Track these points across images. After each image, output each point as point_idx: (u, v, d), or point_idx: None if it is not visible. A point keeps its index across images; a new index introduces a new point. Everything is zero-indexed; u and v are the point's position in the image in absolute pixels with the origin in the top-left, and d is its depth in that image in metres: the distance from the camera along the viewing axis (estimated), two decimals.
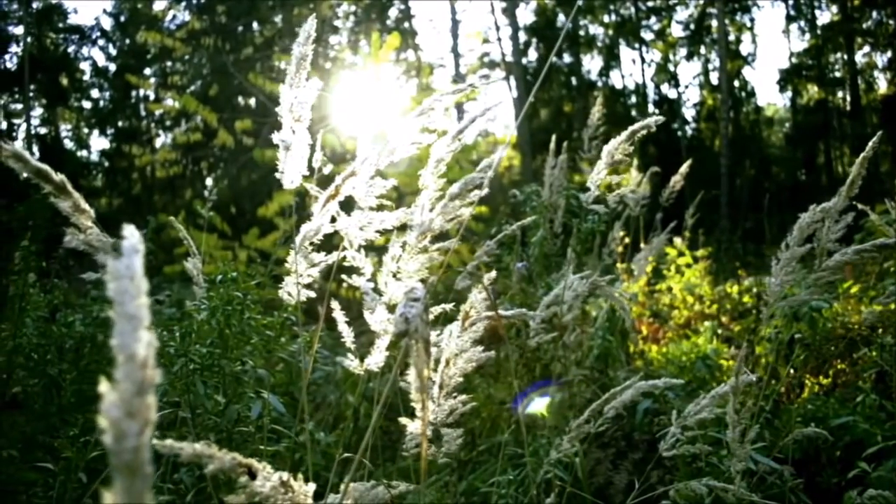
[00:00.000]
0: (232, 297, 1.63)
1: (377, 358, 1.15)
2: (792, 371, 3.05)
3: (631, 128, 1.34)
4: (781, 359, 3.52)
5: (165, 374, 1.67)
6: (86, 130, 24.90)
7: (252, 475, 0.69)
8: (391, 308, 1.10)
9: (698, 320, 5.69)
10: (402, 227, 1.16)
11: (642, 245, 4.39)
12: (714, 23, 26.54)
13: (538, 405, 2.25)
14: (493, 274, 1.15)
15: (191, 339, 1.63)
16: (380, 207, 1.09)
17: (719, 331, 4.80)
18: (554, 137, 3.23)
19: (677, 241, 5.34)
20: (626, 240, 3.81)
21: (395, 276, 1.08)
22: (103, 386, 0.38)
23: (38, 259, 2.28)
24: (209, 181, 21.94)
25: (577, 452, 2.20)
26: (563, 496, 1.70)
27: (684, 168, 3.40)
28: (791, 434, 2.06)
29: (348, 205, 1.14)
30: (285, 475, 0.73)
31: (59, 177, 0.92)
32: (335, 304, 1.25)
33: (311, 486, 0.76)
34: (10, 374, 2.16)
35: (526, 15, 29.05)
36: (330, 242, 1.19)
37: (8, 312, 2.24)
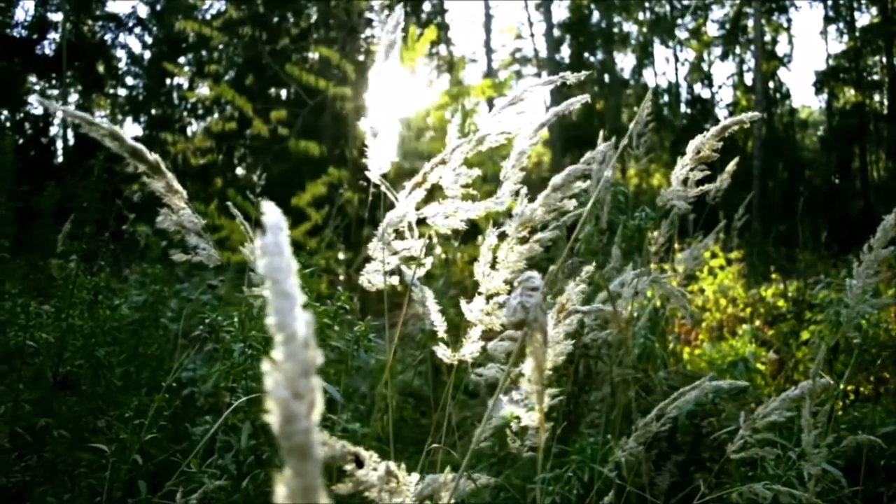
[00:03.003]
0: None
1: (471, 348, 1.14)
2: (836, 378, 3.00)
3: (721, 123, 1.31)
4: (825, 364, 3.47)
5: (223, 360, 1.67)
6: (120, 117, 25.19)
7: (359, 464, 0.68)
8: (489, 298, 1.08)
9: (731, 323, 5.64)
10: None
11: (676, 245, 4.34)
12: (750, 23, 26.25)
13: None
14: (591, 267, 1.13)
15: (249, 324, 1.63)
16: (465, 197, 1.07)
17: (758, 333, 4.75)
18: (602, 132, 3.19)
19: (702, 242, 5.28)
20: (661, 239, 3.77)
21: (492, 266, 1.06)
22: (265, 365, 0.37)
23: (91, 241, 2.30)
24: (240, 170, 22.12)
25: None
26: (623, 496, 1.68)
27: (731, 166, 3.35)
28: (845, 441, 2.02)
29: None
30: (392, 465, 0.72)
31: (153, 157, 0.91)
32: (428, 293, 1.24)
33: (415, 477, 0.75)
34: (61, 354, 2.17)
35: (560, 11, 28.91)
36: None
37: (60, 293, 2.26)
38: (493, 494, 2.43)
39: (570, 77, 1.05)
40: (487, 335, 1.19)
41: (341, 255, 7.84)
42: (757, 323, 5.47)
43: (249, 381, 1.64)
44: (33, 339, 2.20)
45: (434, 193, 1.15)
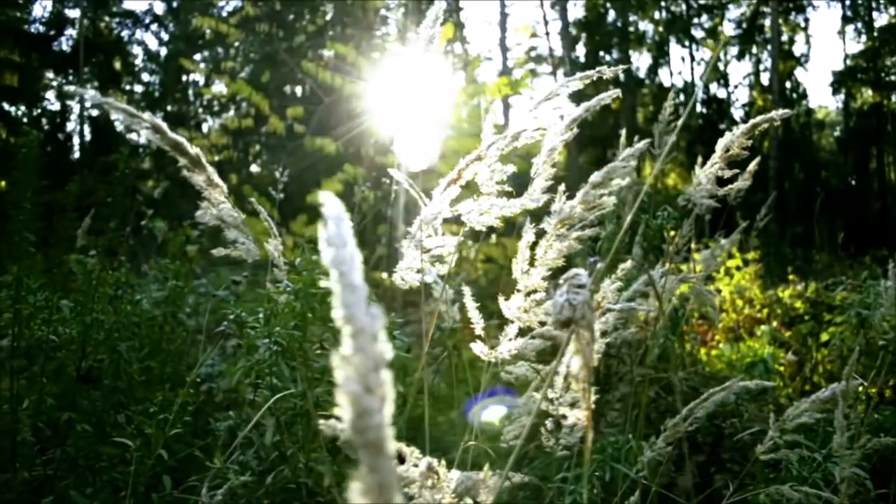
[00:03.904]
0: (315, 280, 1.63)
1: (510, 345, 1.13)
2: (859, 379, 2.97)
3: (752, 121, 1.30)
4: (845, 366, 3.43)
5: (246, 356, 1.67)
6: None
7: (401, 460, 0.68)
8: (528, 294, 1.08)
9: (747, 324, 5.60)
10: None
11: (693, 245, 4.31)
12: (767, 22, 26.10)
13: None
14: (629, 264, 1.12)
15: (274, 321, 1.63)
16: (501, 194, 1.07)
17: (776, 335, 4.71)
18: (624, 131, 3.17)
19: (723, 241, 5.25)
20: (682, 239, 3.75)
21: (531, 263, 1.06)
22: (335, 360, 0.37)
23: (113, 236, 2.31)
24: (254, 167, 22.21)
25: (643, 451, 2.15)
26: (648, 497, 1.67)
27: (753, 166, 3.32)
28: (869, 444, 2.01)
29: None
30: (434, 461, 0.72)
31: (194, 150, 0.91)
32: (466, 289, 1.23)
33: (455, 473, 0.75)
34: (84, 349, 2.18)
35: (575, 10, 28.82)
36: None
37: (84, 287, 2.27)
38: (512, 493, 2.42)
39: (607, 72, 1.05)
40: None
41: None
42: (774, 324, 5.43)
43: (274, 378, 1.64)
44: (55, 334, 2.21)
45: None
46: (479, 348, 1.11)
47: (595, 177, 1.00)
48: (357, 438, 0.35)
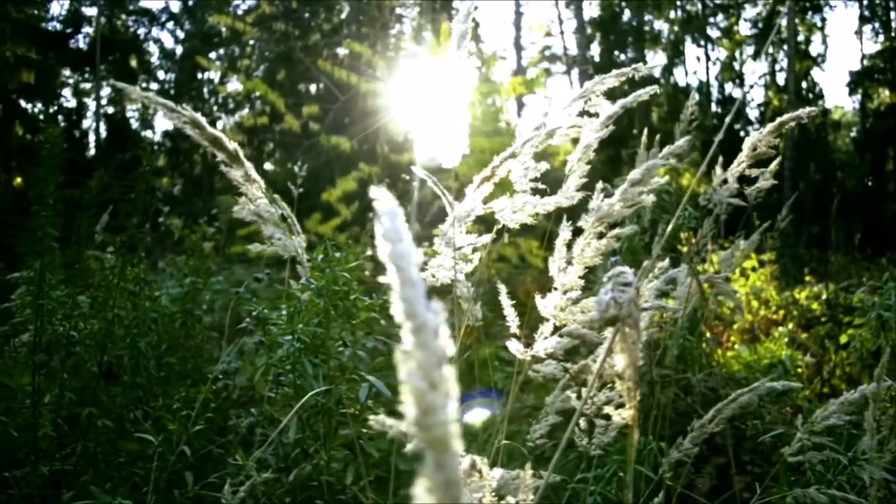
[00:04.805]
0: (338, 278, 1.62)
1: (544, 344, 1.12)
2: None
3: (779, 119, 1.29)
4: (865, 369, 3.41)
5: (268, 353, 1.67)
6: (151, 111, 25.47)
7: None
8: (565, 292, 1.07)
9: (764, 325, 5.56)
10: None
11: (710, 245, 4.29)
12: (784, 21, 25.91)
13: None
14: (666, 262, 1.12)
15: (298, 318, 1.62)
16: (535, 191, 1.06)
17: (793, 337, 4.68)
18: (646, 130, 3.16)
19: (740, 242, 5.21)
20: (704, 239, 3.73)
21: (568, 261, 1.05)
22: (397, 356, 0.36)
23: (134, 233, 2.31)
24: (268, 165, 22.28)
25: (664, 452, 2.14)
26: (672, 499, 1.66)
27: (773, 166, 3.30)
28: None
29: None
30: (478, 460, 0.71)
31: (232, 145, 0.91)
32: (502, 287, 1.22)
33: (498, 472, 0.74)
34: (105, 345, 2.19)
35: (591, 9, 28.75)
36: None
37: (104, 283, 2.27)
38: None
39: (643, 68, 1.04)
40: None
41: (369, 251, 7.86)
42: (790, 325, 5.40)
43: (297, 376, 1.63)
44: (76, 329, 2.22)
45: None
46: (514, 347, 1.10)
47: (634, 174, 0.98)
48: (422, 435, 0.35)
